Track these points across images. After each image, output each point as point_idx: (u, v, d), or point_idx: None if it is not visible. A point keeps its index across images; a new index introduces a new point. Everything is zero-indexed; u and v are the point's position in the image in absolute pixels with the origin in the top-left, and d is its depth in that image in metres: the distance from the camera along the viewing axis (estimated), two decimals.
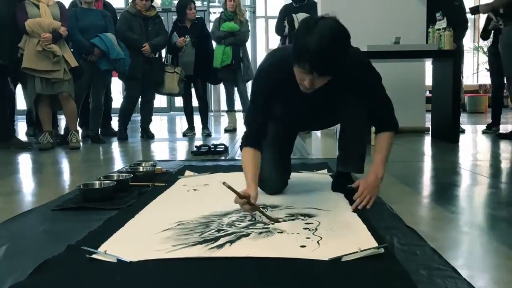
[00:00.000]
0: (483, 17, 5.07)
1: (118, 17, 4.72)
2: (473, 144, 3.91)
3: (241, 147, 1.71)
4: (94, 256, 1.12)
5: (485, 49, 9.74)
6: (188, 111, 4.98)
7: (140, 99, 4.80)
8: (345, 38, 1.42)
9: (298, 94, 1.56)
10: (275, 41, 5.64)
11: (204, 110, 4.94)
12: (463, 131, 4.60)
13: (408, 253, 1.14)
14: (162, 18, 4.85)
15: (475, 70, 10.73)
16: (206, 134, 4.74)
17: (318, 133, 4.81)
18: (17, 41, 3.62)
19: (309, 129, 2.12)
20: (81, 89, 4.15)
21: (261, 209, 1.49)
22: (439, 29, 3.91)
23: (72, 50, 4.11)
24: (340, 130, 1.86)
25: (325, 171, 2.38)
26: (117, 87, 6.64)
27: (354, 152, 1.79)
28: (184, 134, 4.93)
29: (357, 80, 1.63)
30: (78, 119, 4.24)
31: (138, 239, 1.29)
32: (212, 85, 8.52)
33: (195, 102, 5.00)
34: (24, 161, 3.24)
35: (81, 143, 3.90)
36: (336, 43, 1.38)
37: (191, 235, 1.30)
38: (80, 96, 4.22)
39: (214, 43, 5.06)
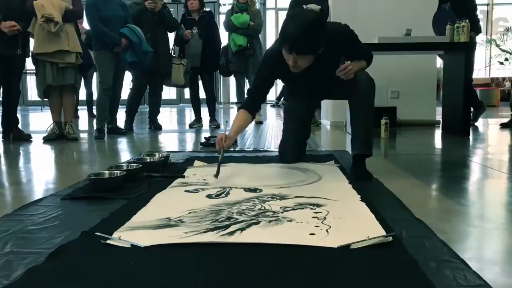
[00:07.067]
0: (495, 9, 4.98)
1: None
2: (484, 137, 3.88)
3: (240, 108, 2.23)
4: (108, 241, 1.14)
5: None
6: (195, 103, 4.98)
7: (148, 91, 4.81)
8: (319, 25, 1.86)
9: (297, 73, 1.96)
10: None
11: (211, 102, 4.95)
12: (473, 124, 4.56)
13: (417, 245, 1.13)
14: (172, 9, 4.84)
15: (487, 64, 10.60)
16: (215, 126, 4.75)
17: (328, 126, 4.80)
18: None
19: (324, 98, 2.81)
20: (110, 79, 4.05)
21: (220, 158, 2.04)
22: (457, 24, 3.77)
23: (93, 43, 4.06)
24: (350, 116, 2.16)
25: (332, 162, 2.38)
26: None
27: (360, 136, 2.06)
28: (191, 126, 4.95)
29: (340, 43, 1.99)
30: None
31: (151, 226, 1.31)
32: (222, 77, 8.52)
33: (202, 94, 5.01)
34: (34, 151, 3.28)
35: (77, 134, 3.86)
36: (309, 29, 1.80)
37: (202, 222, 1.32)
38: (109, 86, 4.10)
39: (226, 33, 5.06)
